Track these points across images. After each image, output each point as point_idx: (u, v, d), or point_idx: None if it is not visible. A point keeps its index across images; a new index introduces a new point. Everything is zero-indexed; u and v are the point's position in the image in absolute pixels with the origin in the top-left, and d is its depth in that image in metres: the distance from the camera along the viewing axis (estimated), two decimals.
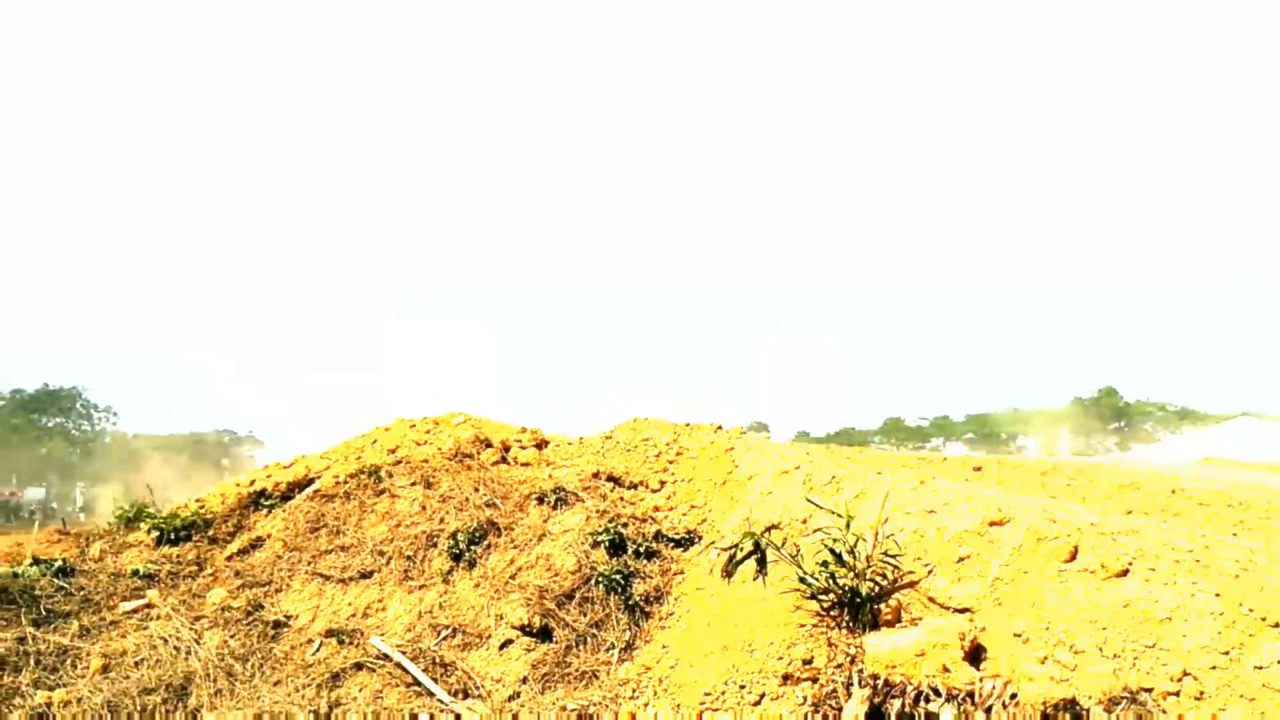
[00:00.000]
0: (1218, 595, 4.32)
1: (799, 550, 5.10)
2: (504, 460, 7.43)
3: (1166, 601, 4.40)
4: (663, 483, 6.82)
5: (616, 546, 6.07)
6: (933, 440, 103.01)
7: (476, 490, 6.78)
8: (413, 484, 7.04)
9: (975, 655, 4.59)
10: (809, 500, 5.58)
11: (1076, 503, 6.78)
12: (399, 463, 7.44)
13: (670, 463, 6.98)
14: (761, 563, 4.95)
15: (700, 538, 6.24)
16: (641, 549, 6.07)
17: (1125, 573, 4.64)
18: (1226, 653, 4.11)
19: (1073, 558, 4.83)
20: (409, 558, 6.36)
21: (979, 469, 7.89)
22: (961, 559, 5.15)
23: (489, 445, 7.55)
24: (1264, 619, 4.14)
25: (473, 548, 6.27)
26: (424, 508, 6.75)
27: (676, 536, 6.25)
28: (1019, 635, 4.62)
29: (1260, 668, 4.00)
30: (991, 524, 5.22)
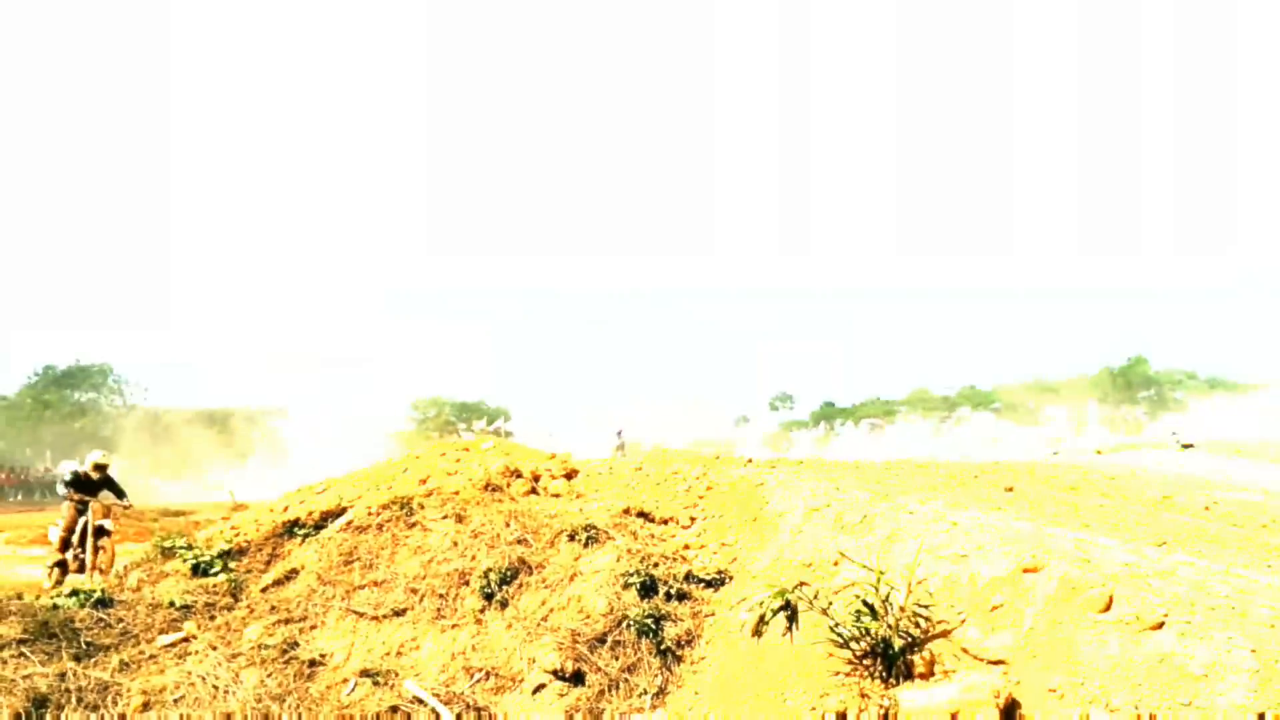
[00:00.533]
0: (1253, 651, 4.27)
1: (830, 602, 5.10)
2: (534, 491, 7.46)
3: (1202, 657, 4.36)
4: (693, 519, 6.83)
5: (648, 588, 6.08)
6: (959, 409, 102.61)
7: (508, 525, 6.81)
8: (444, 517, 7.08)
9: (1010, 711, 4.59)
10: (842, 554, 5.58)
11: (1110, 530, 6.73)
12: (430, 494, 7.48)
13: (700, 497, 6.98)
14: (793, 619, 4.95)
15: (731, 578, 6.26)
16: (673, 590, 6.09)
17: (1161, 625, 4.60)
18: (1262, 715, 4.08)
19: (1108, 608, 4.79)
20: (441, 596, 6.41)
21: (1011, 489, 7.84)
22: (995, 608, 5.13)
23: (519, 475, 7.57)
24: None
25: (504, 587, 6.30)
26: (455, 543, 6.79)
27: (707, 577, 6.26)
28: (1054, 691, 4.60)
29: None
30: (1025, 571, 5.19)
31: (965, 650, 5.00)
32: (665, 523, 6.85)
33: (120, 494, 13.54)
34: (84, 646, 6.39)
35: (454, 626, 6.18)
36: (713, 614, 6.00)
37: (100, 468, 13.69)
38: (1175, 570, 5.73)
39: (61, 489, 13.48)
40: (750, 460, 7.42)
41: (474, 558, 6.60)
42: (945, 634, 5.03)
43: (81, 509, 13.13)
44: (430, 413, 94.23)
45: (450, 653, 5.99)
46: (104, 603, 6.95)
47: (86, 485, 13.34)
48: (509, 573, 6.39)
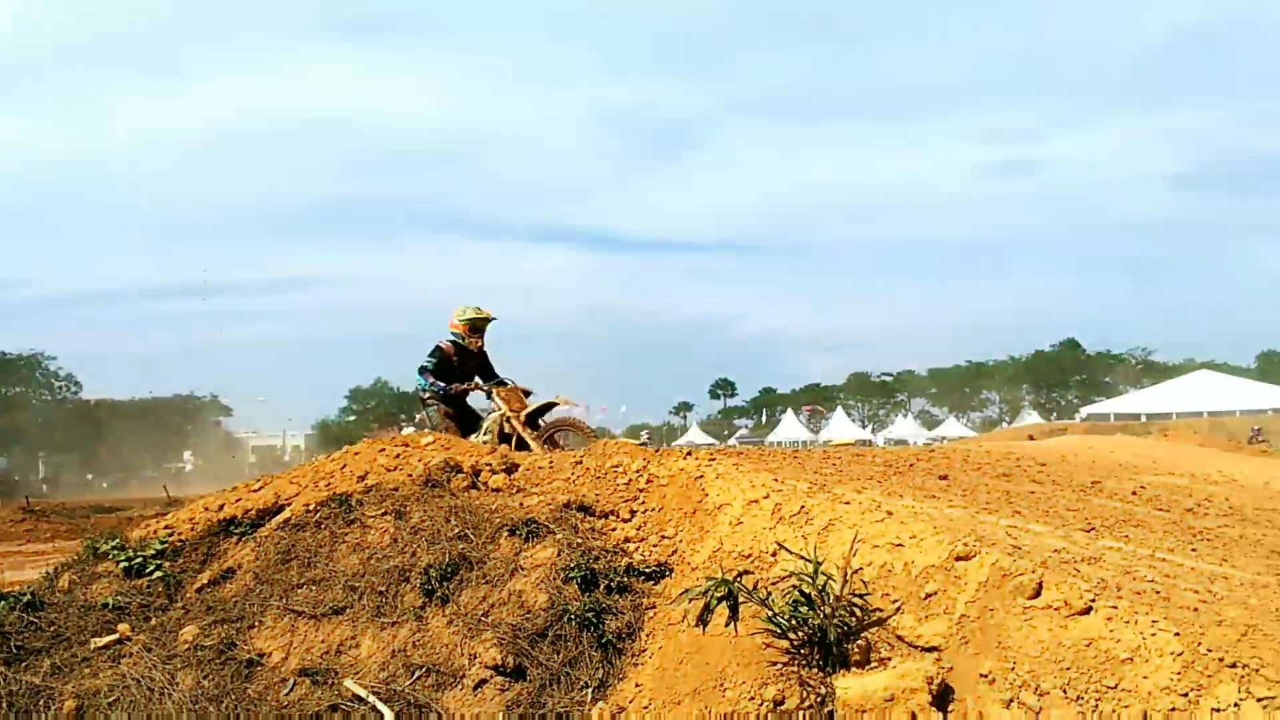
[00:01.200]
0: (1177, 634, 4.41)
1: (769, 593, 5.17)
2: (474, 486, 7.42)
3: (1128, 640, 4.49)
4: (633, 512, 6.85)
5: (588, 582, 6.10)
6: (897, 395, 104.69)
7: (448, 521, 6.78)
8: (384, 514, 7.03)
9: (943, 697, 4.69)
10: (779, 545, 5.65)
11: (1040, 516, 6.90)
12: (369, 490, 7.43)
13: (640, 490, 7.00)
14: (734, 608, 5.02)
15: (671, 570, 6.30)
16: (613, 584, 6.12)
17: (1088, 610, 4.72)
18: (1185, 694, 4.20)
19: (1037, 594, 4.91)
20: (381, 593, 6.37)
21: (945, 477, 7.99)
22: (928, 596, 5.23)
23: (459, 470, 7.53)
24: (1221, 659, 4.23)
25: (445, 583, 6.28)
26: (395, 540, 6.75)
27: (647, 569, 6.30)
28: (985, 676, 4.71)
29: (1217, 710, 4.10)
30: (958, 559, 5.30)
31: (900, 638, 5.11)
32: (606, 516, 6.86)
33: (492, 374, 9.65)
34: (14, 650, 6.29)
35: (394, 624, 6.16)
36: (653, 606, 6.05)
37: (480, 327, 9.51)
38: (1102, 555, 5.89)
39: (422, 381, 9.33)
40: (690, 452, 7.45)
41: (414, 554, 6.57)
42: (880, 622, 5.12)
43: (457, 415, 9.36)
44: (370, 403, 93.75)
45: (390, 650, 5.98)
46: (34, 605, 6.83)
47: (459, 368, 9.39)
48: (449, 568, 6.37)
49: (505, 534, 6.57)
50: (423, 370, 9.26)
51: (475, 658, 5.73)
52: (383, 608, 6.29)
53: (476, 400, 9.90)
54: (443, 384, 9.18)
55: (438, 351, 9.30)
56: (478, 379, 9.44)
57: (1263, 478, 11.10)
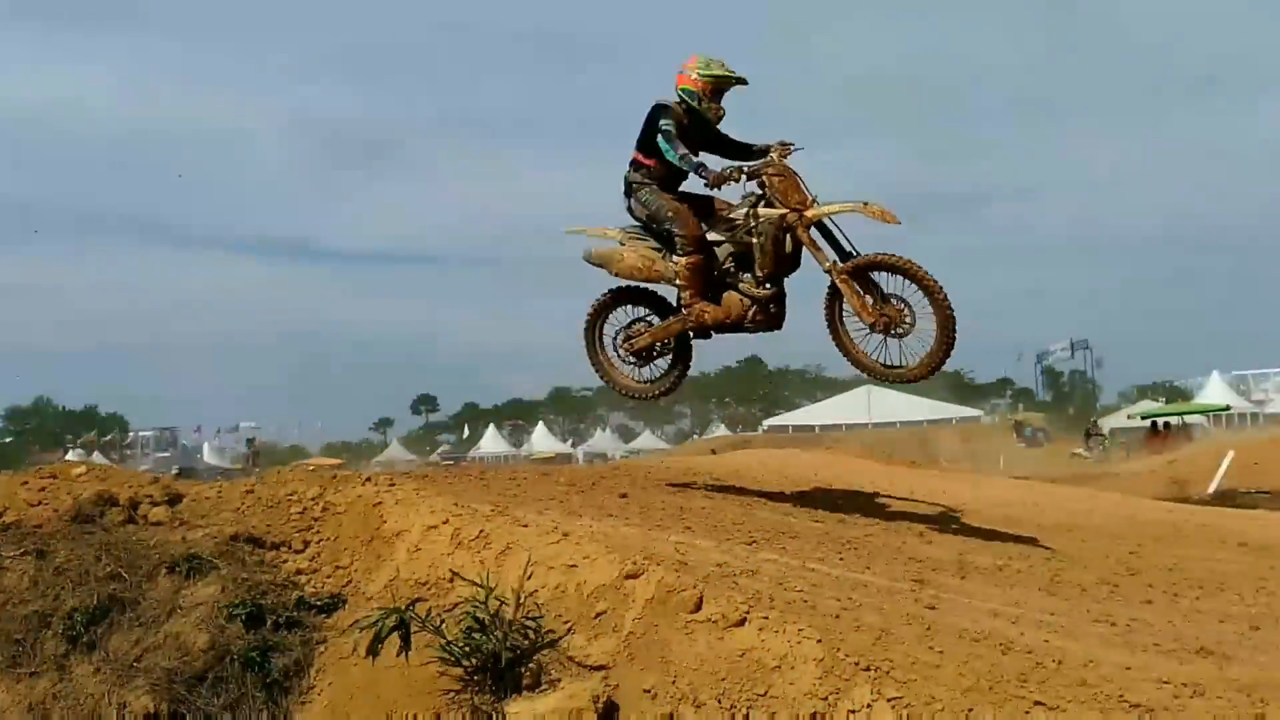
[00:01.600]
0: (819, 641, 4.76)
1: (442, 620, 5.15)
2: (132, 520, 6.87)
3: (776, 649, 4.81)
4: (306, 543, 6.59)
5: (254, 619, 5.81)
6: (597, 409, 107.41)
7: (99, 559, 6.24)
8: (23, 554, 6.36)
9: (609, 714, 4.85)
10: (453, 572, 5.66)
11: (709, 531, 7.27)
12: (7, 528, 6.71)
13: (315, 519, 6.74)
14: (406, 638, 4.96)
15: (345, 601, 6.13)
16: (282, 619, 5.86)
17: (743, 622, 5.01)
18: (825, 698, 4.56)
19: (698, 608, 5.16)
20: (18, 641, 5.76)
21: (625, 495, 8.28)
22: (599, 615, 5.40)
23: (115, 503, 6.95)
24: (857, 663, 4.62)
25: (93, 628, 5.80)
26: (36, 582, 6.13)
27: (320, 602, 6.09)
28: (648, 691, 4.91)
29: (853, 711, 4.48)
30: (628, 577, 5.49)
31: (571, 658, 5.23)
32: (277, 548, 6.54)
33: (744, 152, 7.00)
34: None
35: (32, 674, 5.60)
36: (324, 641, 5.87)
37: (724, 89, 6.78)
38: (760, 568, 6.30)
39: (670, 151, 6.64)
40: (369, 478, 7.29)
41: (58, 597, 6.00)
42: (552, 644, 5.21)
43: (692, 208, 6.75)
44: (30, 423, 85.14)
45: (27, 703, 5.43)
46: None
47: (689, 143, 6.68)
48: (98, 612, 5.87)
49: (164, 572, 6.14)
50: (667, 134, 6.59)
51: (125, 707, 5.33)
52: (19, 658, 5.71)
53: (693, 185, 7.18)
54: (697, 159, 6.55)
55: (668, 112, 6.61)
56: (743, 164, 6.67)
57: (908, 487, 12.20)
